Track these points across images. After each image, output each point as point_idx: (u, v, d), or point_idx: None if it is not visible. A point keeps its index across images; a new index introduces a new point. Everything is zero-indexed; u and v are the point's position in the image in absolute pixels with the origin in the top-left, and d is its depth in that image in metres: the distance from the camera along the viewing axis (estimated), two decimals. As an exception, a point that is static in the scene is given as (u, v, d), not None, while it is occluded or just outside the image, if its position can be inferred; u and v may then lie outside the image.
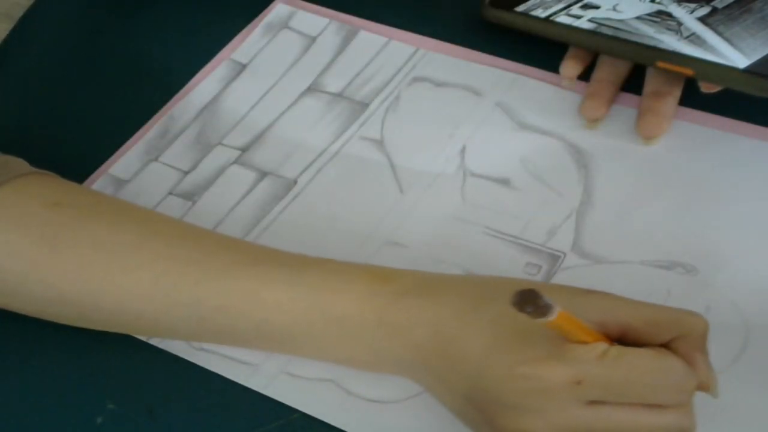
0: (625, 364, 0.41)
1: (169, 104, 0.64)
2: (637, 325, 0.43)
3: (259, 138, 0.61)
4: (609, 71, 0.59)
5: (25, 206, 0.50)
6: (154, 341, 0.52)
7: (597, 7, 0.59)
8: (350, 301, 0.46)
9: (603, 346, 0.41)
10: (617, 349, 0.41)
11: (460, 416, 0.46)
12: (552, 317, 0.38)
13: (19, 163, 0.52)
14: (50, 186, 0.52)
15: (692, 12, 0.57)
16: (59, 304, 0.49)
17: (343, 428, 0.48)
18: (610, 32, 0.57)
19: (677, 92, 0.57)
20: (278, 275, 0.47)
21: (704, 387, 0.43)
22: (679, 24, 0.56)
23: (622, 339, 0.43)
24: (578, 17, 0.59)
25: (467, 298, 0.45)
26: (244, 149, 0.61)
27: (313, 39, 0.66)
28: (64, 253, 0.49)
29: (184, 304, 0.48)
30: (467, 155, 0.58)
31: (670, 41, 0.56)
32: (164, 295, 0.48)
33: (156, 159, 0.61)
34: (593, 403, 0.41)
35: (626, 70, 0.59)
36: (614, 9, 0.59)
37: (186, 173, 0.60)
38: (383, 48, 0.65)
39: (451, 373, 0.44)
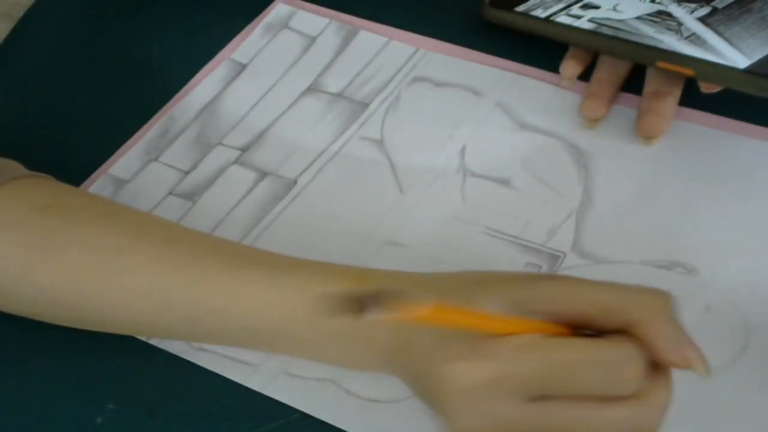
0: (543, 354, 0.40)
1: (169, 104, 0.64)
2: (590, 313, 0.41)
3: (259, 138, 0.61)
4: (609, 71, 0.59)
5: (15, 209, 0.50)
6: (154, 341, 0.52)
7: (597, 7, 0.59)
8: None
9: (533, 336, 0.40)
10: (555, 340, 0.40)
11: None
12: (412, 313, 0.37)
13: (14, 166, 0.52)
14: (43, 189, 0.52)
15: (692, 12, 0.57)
16: (53, 307, 0.49)
17: (343, 428, 0.48)
18: (610, 32, 0.57)
19: (677, 92, 0.57)
20: (267, 278, 0.47)
21: (682, 365, 0.41)
22: (679, 24, 0.56)
23: (586, 326, 0.42)
24: (578, 17, 0.59)
25: (444, 296, 0.44)
26: (244, 149, 0.61)
27: (313, 39, 0.66)
28: (55, 257, 0.48)
29: (174, 308, 0.48)
30: (467, 155, 0.58)
31: (670, 41, 0.56)
32: (155, 298, 0.48)
33: (156, 159, 0.61)
34: (538, 398, 0.40)
35: (626, 70, 0.59)
36: (614, 9, 0.59)
37: (186, 173, 0.60)
38: (383, 48, 0.65)
39: (410, 374, 0.44)
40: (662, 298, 0.41)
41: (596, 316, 0.41)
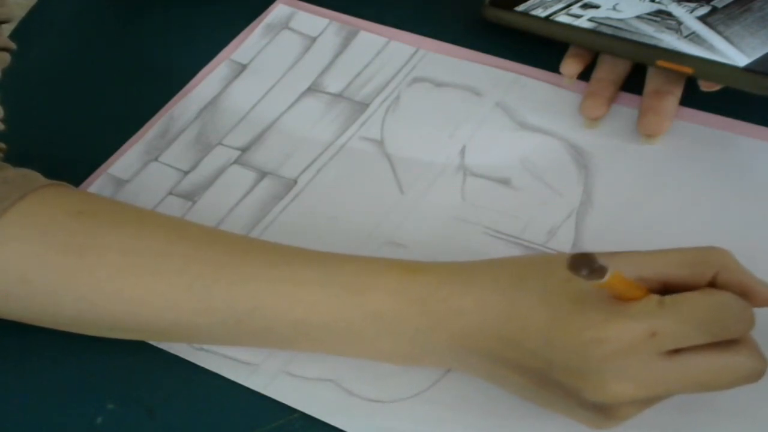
0: (685, 307, 0.41)
1: (169, 104, 0.64)
2: (676, 272, 0.43)
3: (259, 138, 0.61)
4: (609, 70, 0.59)
5: (49, 216, 0.49)
6: (153, 341, 0.52)
7: (597, 7, 0.59)
8: (385, 295, 0.46)
9: (657, 297, 0.42)
10: (670, 297, 0.42)
11: (526, 395, 0.46)
12: (606, 278, 0.39)
13: (36, 176, 0.52)
14: (71, 195, 0.51)
15: (692, 11, 0.57)
16: (94, 314, 0.49)
17: (343, 428, 0.48)
18: (610, 31, 0.57)
19: (678, 91, 0.57)
20: (310, 274, 0.47)
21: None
22: (679, 23, 0.56)
23: (665, 291, 0.43)
24: (578, 17, 0.59)
25: (507, 280, 0.45)
26: (244, 149, 0.61)
27: (313, 39, 0.66)
28: (94, 262, 0.48)
29: (219, 308, 0.47)
30: (467, 155, 0.58)
31: (670, 40, 0.56)
32: (199, 298, 0.47)
33: (156, 159, 0.61)
34: (669, 353, 0.41)
35: (626, 69, 0.59)
36: (614, 8, 0.59)
37: (186, 173, 0.60)
38: (383, 48, 0.65)
39: (513, 353, 0.44)
40: (725, 249, 0.44)
41: (685, 273, 0.43)
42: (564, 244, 0.53)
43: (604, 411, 0.43)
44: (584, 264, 0.38)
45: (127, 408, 0.50)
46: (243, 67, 0.65)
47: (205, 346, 0.51)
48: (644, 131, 0.56)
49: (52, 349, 0.52)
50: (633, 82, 0.59)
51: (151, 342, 0.52)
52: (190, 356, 0.51)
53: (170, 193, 0.59)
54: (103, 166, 0.61)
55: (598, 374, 0.41)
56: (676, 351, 0.41)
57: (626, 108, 0.58)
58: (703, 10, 0.57)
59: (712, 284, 0.43)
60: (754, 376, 0.42)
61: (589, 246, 0.53)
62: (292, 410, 0.49)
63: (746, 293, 0.43)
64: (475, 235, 0.54)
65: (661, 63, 0.55)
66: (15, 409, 0.51)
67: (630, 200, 0.54)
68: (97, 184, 0.60)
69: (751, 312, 0.42)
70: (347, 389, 0.49)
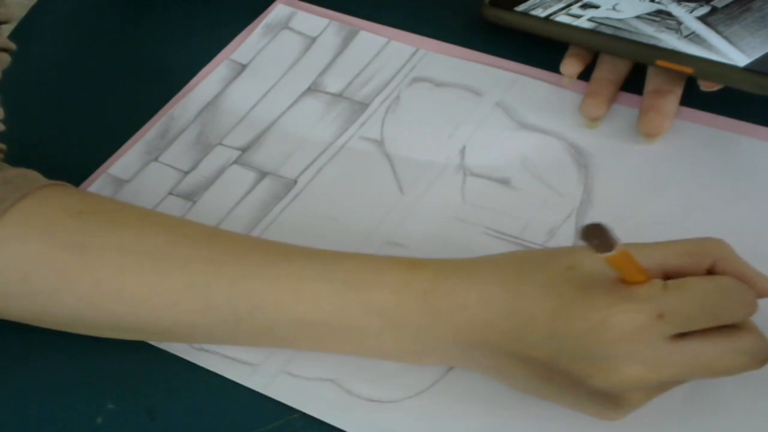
0: (689, 290, 0.41)
1: (169, 104, 0.64)
2: (674, 262, 0.43)
3: (259, 138, 0.61)
4: (609, 70, 0.59)
5: (50, 216, 0.49)
6: (154, 341, 0.52)
7: (597, 7, 0.59)
8: (387, 292, 0.46)
9: (660, 281, 0.42)
10: (673, 281, 0.42)
11: (531, 389, 0.46)
12: (616, 252, 0.39)
13: (36, 175, 0.52)
14: (71, 195, 0.51)
15: (692, 11, 0.57)
16: (93, 314, 0.49)
17: (343, 428, 0.48)
18: (609, 31, 0.57)
19: (678, 91, 0.57)
20: (311, 272, 0.47)
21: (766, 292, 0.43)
22: (679, 23, 0.56)
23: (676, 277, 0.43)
24: (578, 17, 0.59)
25: (508, 273, 0.45)
26: (244, 149, 0.61)
27: (313, 39, 0.66)
28: (95, 261, 0.48)
29: (220, 306, 0.47)
30: (467, 155, 0.58)
31: (670, 40, 0.56)
32: (200, 297, 0.47)
33: (156, 159, 0.61)
34: (675, 338, 0.41)
35: (626, 69, 0.59)
36: (614, 8, 0.59)
37: (186, 173, 0.60)
38: (383, 48, 0.65)
39: (518, 345, 0.44)
40: (721, 239, 0.44)
41: (684, 262, 0.43)
42: (564, 244, 0.53)
43: (612, 399, 0.43)
44: (596, 234, 0.38)
45: (127, 408, 0.50)
46: (243, 67, 0.65)
47: (205, 346, 0.51)
48: (644, 130, 0.56)
49: (53, 350, 0.52)
50: (633, 82, 0.59)
51: (151, 342, 0.52)
52: (190, 356, 0.51)
53: (170, 193, 0.59)
54: (103, 166, 0.61)
55: (607, 359, 0.41)
56: (681, 336, 0.41)
57: (626, 108, 0.58)
58: (703, 10, 0.57)
59: (711, 274, 0.43)
60: (758, 361, 0.42)
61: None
62: (292, 410, 0.49)
63: (744, 283, 0.43)
64: (475, 236, 0.54)
65: (661, 63, 0.55)
66: (15, 409, 0.51)
67: (630, 200, 0.54)
68: (97, 184, 0.60)
69: (753, 296, 0.42)
70: (347, 389, 0.49)
